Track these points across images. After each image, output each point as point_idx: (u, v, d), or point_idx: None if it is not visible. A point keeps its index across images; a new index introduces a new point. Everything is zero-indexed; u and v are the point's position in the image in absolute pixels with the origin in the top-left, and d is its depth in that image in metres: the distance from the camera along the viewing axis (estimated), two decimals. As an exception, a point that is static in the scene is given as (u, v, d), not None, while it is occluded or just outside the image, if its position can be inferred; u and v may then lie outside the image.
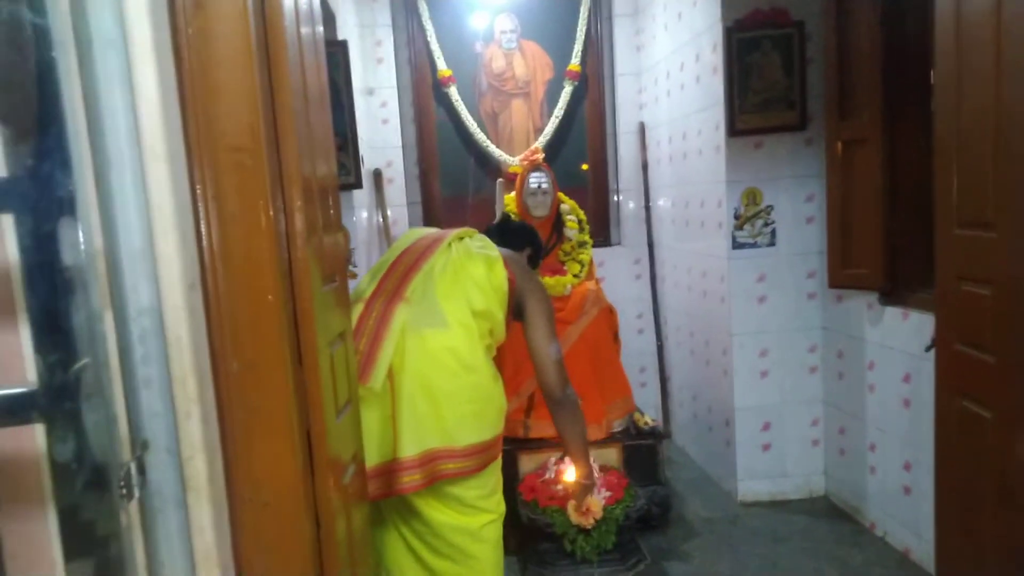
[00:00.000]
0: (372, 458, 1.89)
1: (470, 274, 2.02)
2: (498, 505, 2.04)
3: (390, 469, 1.89)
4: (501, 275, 2.04)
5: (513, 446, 3.04)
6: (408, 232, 2.22)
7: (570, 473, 2.61)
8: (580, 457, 2.38)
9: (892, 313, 2.71)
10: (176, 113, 1.04)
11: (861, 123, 2.70)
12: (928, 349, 1.91)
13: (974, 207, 1.60)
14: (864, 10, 2.66)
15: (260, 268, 1.17)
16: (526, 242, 2.43)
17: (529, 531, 2.78)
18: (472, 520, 1.97)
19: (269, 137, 1.20)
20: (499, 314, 2.04)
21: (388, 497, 1.93)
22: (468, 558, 1.96)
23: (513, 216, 3.22)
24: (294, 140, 1.27)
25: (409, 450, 1.88)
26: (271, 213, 1.18)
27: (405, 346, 1.91)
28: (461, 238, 2.14)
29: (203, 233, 1.10)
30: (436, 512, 1.95)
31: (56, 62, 0.83)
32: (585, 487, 2.53)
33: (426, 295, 1.96)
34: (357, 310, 1.95)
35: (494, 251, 2.10)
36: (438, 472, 1.90)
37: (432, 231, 2.20)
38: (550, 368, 2.10)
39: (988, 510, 1.61)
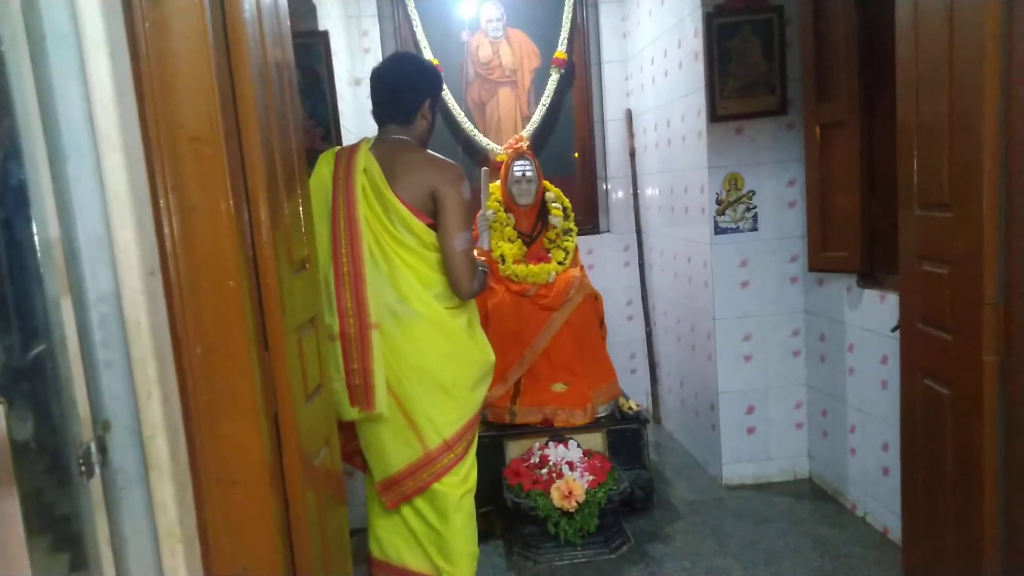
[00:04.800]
0: (399, 463, 2.07)
1: (397, 239, 2.01)
2: (470, 474, 2.17)
3: (420, 465, 2.06)
4: (403, 211, 1.99)
5: (499, 432, 3.08)
6: (317, 171, 2.08)
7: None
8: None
9: (870, 296, 2.74)
10: (132, 104, 1.07)
11: (838, 106, 2.72)
12: (894, 330, 1.94)
13: (932, 189, 1.62)
14: (840, -6, 2.67)
15: (221, 255, 1.21)
16: (416, 97, 2.14)
17: (514, 515, 2.83)
18: (454, 490, 2.10)
19: (229, 128, 1.23)
20: (427, 237, 2.02)
21: (427, 488, 2.08)
22: (447, 525, 2.10)
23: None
24: (256, 130, 1.30)
25: (434, 441, 2.06)
26: (231, 202, 1.21)
27: (391, 361, 2.02)
28: (364, 170, 2.02)
29: (163, 221, 1.14)
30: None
31: (5, 57, 0.87)
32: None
33: (381, 286, 2.01)
34: (333, 307, 1.99)
35: (386, 189, 1.99)
36: (460, 451, 2.11)
37: (335, 166, 2.05)
38: (455, 261, 2.01)
39: (948, 486, 1.64)
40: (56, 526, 0.94)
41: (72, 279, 0.99)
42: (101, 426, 1.02)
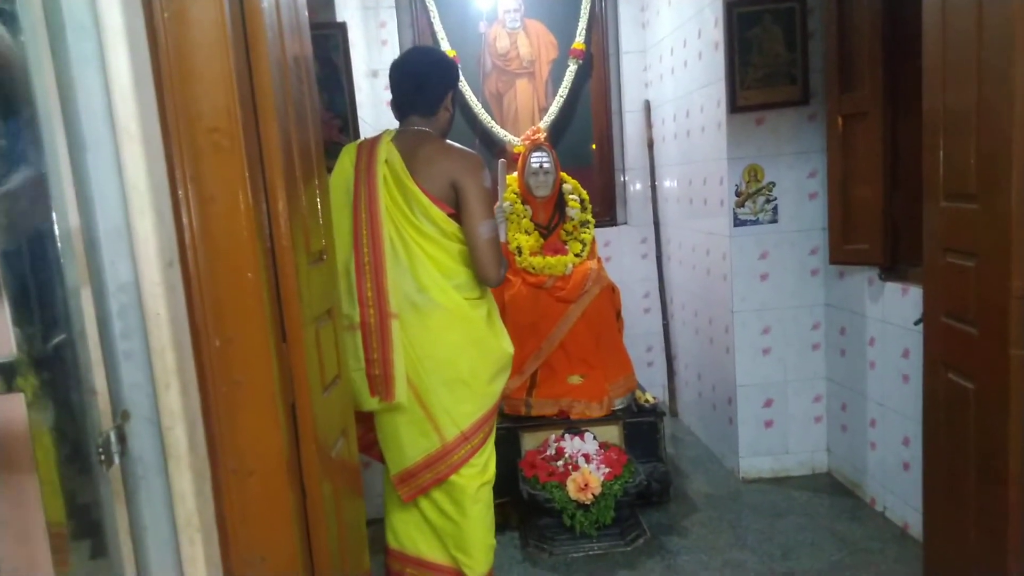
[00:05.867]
0: (416, 455, 2.07)
1: (418, 229, 2.00)
2: (488, 465, 2.16)
3: (438, 457, 2.06)
4: (425, 201, 1.99)
5: (515, 424, 3.08)
6: (339, 163, 2.10)
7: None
8: None
9: (892, 289, 2.70)
10: (151, 95, 1.07)
11: (862, 97, 2.68)
12: (917, 323, 1.91)
13: (958, 179, 1.59)
14: (864, -18, 2.62)
15: (240, 247, 1.21)
16: (439, 90, 2.14)
17: (530, 507, 2.83)
18: (471, 482, 2.10)
19: (247, 119, 1.23)
20: (447, 227, 2.02)
21: (444, 480, 2.08)
22: (464, 516, 2.10)
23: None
24: (274, 122, 1.30)
25: (451, 433, 2.05)
26: (250, 193, 1.21)
27: (409, 351, 2.02)
28: (386, 161, 2.02)
29: (182, 213, 1.14)
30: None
31: (26, 47, 0.87)
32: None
33: (401, 277, 2.00)
34: (354, 297, 1.99)
35: (408, 179, 2.00)
36: (477, 442, 2.09)
37: (357, 158, 2.06)
38: (482, 250, 2.01)
39: (971, 481, 1.62)
40: (76, 514, 0.94)
41: (92, 269, 0.99)
42: (120, 416, 1.02)
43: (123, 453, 1.02)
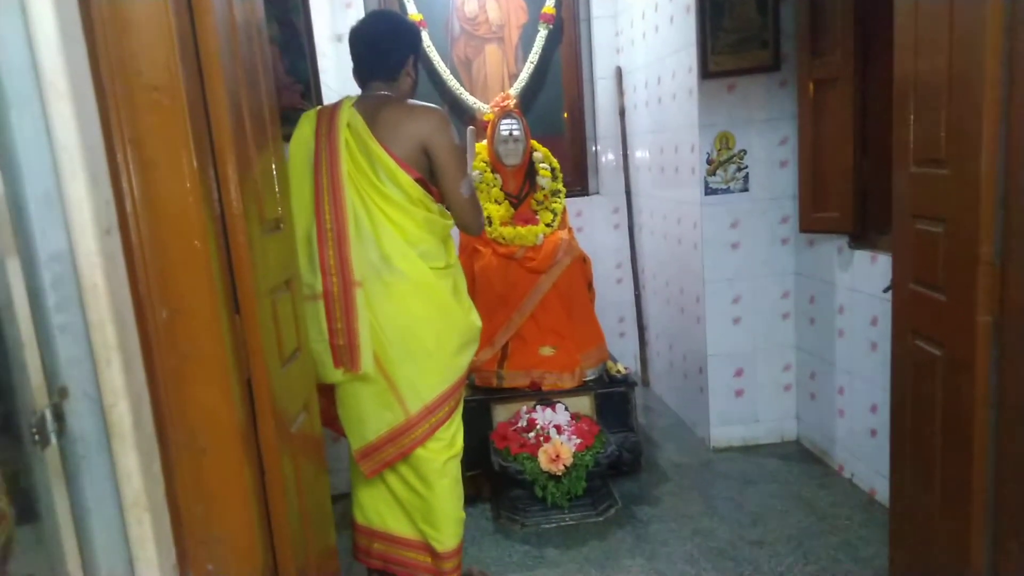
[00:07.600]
0: (379, 428, 2.03)
1: (383, 194, 1.95)
2: (455, 439, 2.13)
3: (402, 431, 2.02)
4: (391, 165, 1.93)
5: (486, 396, 3.05)
6: (299, 130, 2.03)
7: None
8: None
9: (861, 256, 2.70)
10: (81, 49, 0.99)
11: (833, 62, 2.64)
12: (886, 291, 1.90)
13: (928, 145, 1.57)
14: (837, -55, 2.58)
15: (185, 213, 1.15)
16: (400, 55, 2.08)
17: (501, 479, 2.82)
18: (438, 455, 2.07)
19: (191, 78, 1.16)
20: (414, 192, 1.96)
21: (409, 453, 2.04)
22: (431, 491, 2.07)
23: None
24: (221, 82, 1.23)
25: (415, 406, 2.01)
26: (195, 157, 1.14)
27: (373, 322, 1.97)
28: (348, 125, 1.95)
29: (121, 177, 1.07)
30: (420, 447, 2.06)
31: (-68, -8, 0.79)
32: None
33: (365, 244, 1.95)
34: (316, 265, 1.93)
35: (372, 142, 1.93)
36: (442, 416, 2.06)
37: (317, 124, 1.98)
38: (465, 210, 2.06)
39: (937, 448, 1.62)
40: (10, 495, 0.89)
41: (20, 238, 0.93)
42: (57, 393, 0.96)
43: (61, 432, 0.96)
